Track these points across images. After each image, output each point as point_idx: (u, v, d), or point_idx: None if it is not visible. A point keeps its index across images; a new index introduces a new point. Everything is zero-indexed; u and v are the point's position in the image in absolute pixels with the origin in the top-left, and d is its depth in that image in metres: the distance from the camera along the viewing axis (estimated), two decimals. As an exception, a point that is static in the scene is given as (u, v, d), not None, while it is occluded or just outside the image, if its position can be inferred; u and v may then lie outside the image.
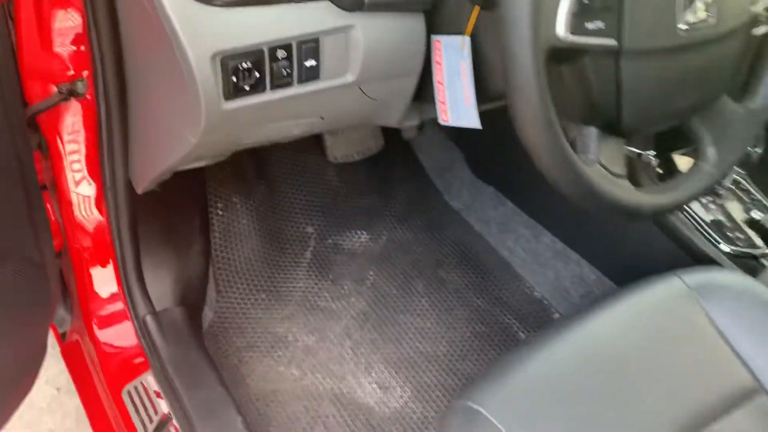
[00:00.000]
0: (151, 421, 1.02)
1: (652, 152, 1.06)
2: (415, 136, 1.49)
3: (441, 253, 1.44)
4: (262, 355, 1.20)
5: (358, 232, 1.44)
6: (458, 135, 1.55)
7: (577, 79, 0.64)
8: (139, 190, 0.94)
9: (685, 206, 1.15)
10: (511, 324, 1.32)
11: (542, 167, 0.63)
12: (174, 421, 0.97)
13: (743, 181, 1.18)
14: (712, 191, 1.18)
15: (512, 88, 0.58)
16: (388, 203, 1.51)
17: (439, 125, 0.84)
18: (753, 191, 1.17)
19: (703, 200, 1.16)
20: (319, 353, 1.22)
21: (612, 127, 0.68)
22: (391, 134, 1.51)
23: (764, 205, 1.16)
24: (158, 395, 1.02)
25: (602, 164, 0.67)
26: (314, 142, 1.44)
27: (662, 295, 0.95)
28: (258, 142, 0.85)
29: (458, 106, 0.83)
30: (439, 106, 0.85)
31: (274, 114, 0.76)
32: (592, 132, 0.68)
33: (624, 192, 0.67)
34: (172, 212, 1.11)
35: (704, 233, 1.12)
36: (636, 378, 0.85)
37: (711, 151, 0.75)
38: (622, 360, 0.87)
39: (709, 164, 0.75)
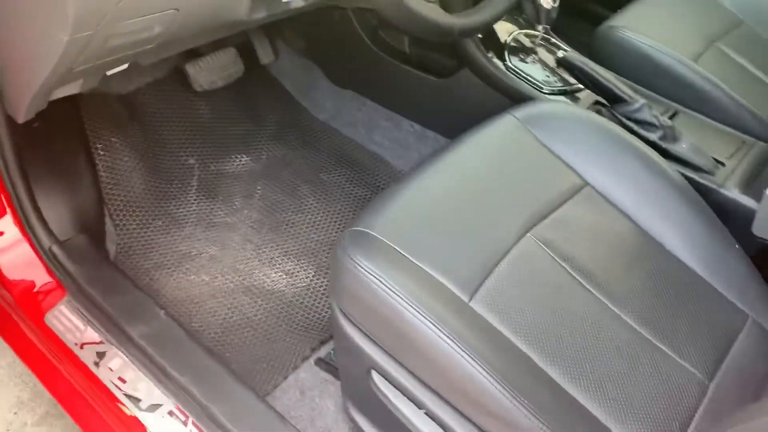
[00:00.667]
0: (79, 342, 1.09)
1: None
2: (272, 62, 1.61)
3: (319, 161, 1.58)
4: (171, 271, 1.29)
5: (238, 157, 1.55)
6: (313, 51, 1.68)
7: None
8: (20, 119, 1.00)
9: (511, 64, 1.35)
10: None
11: (373, 4, 0.77)
12: (102, 338, 1.05)
13: (550, 37, 1.40)
14: (528, 49, 1.39)
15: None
16: (261, 127, 1.62)
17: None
18: (557, 41, 1.39)
19: (522, 56, 1.36)
20: (224, 259, 1.33)
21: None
22: (250, 63, 1.62)
23: (567, 50, 1.38)
24: (79, 316, 1.09)
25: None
26: (178, 77, 1.52)
27: (500, 129, 1.14)
28: (127, 48, 0.93)
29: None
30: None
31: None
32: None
33: (437, 14, 0.83)
34: (56, 147, 1.17)
35: (527, 81, 1.33)
36: (491, 194, 1.02)
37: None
38: (478, 181, 1.04)
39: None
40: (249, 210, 1.44)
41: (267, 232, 1.40)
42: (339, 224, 1.43)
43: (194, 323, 1.19)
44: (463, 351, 0.81)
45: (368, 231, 0.92)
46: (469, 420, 0.84)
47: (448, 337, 0.82)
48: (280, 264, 1.34)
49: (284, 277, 1.31)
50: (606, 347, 0.91)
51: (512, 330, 0.88)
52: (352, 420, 1.01)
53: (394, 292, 0.85)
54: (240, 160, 1.54)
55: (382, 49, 1.46)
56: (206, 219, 1.40)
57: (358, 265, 0.87)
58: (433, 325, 0.82)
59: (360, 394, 0.98)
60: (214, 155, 1.53)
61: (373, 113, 1.59)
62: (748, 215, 1.12)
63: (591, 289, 0.96)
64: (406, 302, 0.84)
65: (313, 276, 1.32)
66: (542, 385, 0.84)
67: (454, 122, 1.49)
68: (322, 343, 1.20)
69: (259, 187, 1.49)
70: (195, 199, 1.43)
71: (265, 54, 1.45)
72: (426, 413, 0.86)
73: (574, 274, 0.97)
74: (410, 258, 0.90)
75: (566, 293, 0.94)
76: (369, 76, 1.55)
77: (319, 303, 1.28)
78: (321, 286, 1.30)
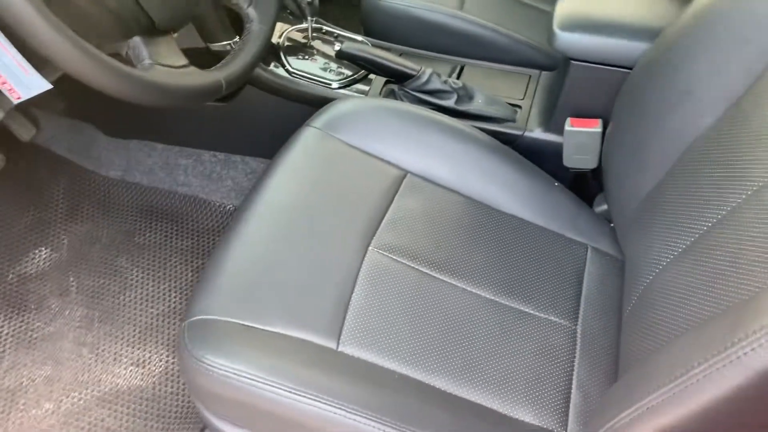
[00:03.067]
0: None
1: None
2: (34, 135, 1.41)
3: (128, 224, 1.44)
4: (5, 414, 1.13)
5: (37, 251, 1.37)
6: (78, 109, 1.50)
7: (91, 1, 0.68)
8: None
9: (292, 68, 1.28)
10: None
11: (109, 92, 0.67)
12: None
13: (322, 26, 1.34)
14: (304, 46, 1.33)
15: (29, 36, 0.60)
16: (50, 208, 1.44)
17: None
18: (331, 28, 1.34)
19: (301, 55, 1.30)
20: (62, 377, 1.18)
21: (152, 30, 0.74)
22: (9, 145, 1.41)
23: (345, 36, 1.34)
24: None
25: (163, 63, 0.73)
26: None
27: (304, 146, 1.08)
28: None
29: (20, 79, 0.82)
30: (6, 92, 0.83)
31: None
32: (137, 41, 0.73)
33: (195, 77, 0.74)
34: None
35: (315, 81, 1.27)
36: (317, 222, 0.97)
37: (251, 11, 0.86)
38: (299, 213, 0.98)
39: (256, 22, 0.86)
40: (70, 309, 1.28)
41: (99, 326, 1.25)
42: (175, 286, 1.32)
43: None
44: (335, 406, 0.78)
45: (204, 317, 0.84)
46: None
47: (314, 399, 0.78)
48: (126, 356, 1.21)
49: (136, 369, 1.19)
50: (477, 332, 0.91)
51: (389, 358, 0.85)
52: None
53: (249, 378, 0.78)
54: (40, 255, 1.36)
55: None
56: (24, 338, 1.23)
57: (205, 362, 0.79)
58: (297, 393, 0.78)
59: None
60: (8, 259, 1.33)
61: (168, 155, 1.46)
62: (557, 150, 1.17)
63: (445, 279, 0.96)
64: (263, 383, 0.78)
65: (167, 356, 1.21)
66: (432, 402, 0.83)
67: (256, 140, 1.41)
68: (202, 430, 1.11)
69: (72, 279, 1.33)
70: (3, 320, 1.25)
71: (23, 130, 1.26)
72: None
73: (426, 271, 0.96)
74: (259, 327, 0.84)
75: (425, 294, 0.93)
76: (148, 118, 1.42)
77: (182, 386, 1.18)
78: (178, 366, 1.20)
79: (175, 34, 0.77)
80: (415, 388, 0.84)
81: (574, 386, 0.89)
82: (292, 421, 0.79)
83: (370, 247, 0.96)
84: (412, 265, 0.96)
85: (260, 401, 0.79)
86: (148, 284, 1.32)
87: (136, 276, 1.34)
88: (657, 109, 0.95)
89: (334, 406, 0.78)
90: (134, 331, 1.25)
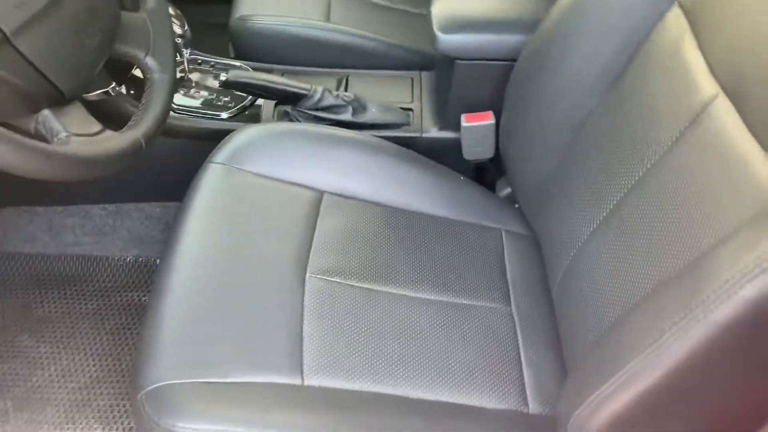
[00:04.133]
0: None
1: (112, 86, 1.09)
2: None
3: (19, 298, 1.32)
4: None
5: None
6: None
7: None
8: None
9: (176, 105, 1.24)
10: (137, 298, 1.32)
11: (31, 174, 0.62)
12: None
13: (197, 57, 1.31)
14: (184, 84, 1.28)
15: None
16: None
17: None
18: (207, 58, 1.31)
19: (183, 91, 1.26)
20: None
21: (60, 100, 0.69)
22: None
23: (223, 64, 1.32)
24: None
25: (78, 134, 0.69)
26: None
27: (211, 186, 1.05)
28: None
29: None
30: None
31: None
32: (46, 114, 0.68)
33: (115, 142, 0.71)
34: None
35: (203, 116, 1.24)
36: (247, 263, 0.95)
37: (150, 61, 0.82)
38: (225, 258, 0.96)
39: (157, 72, 0.83)
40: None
41: (16, 414, 1.15)
42: (90, 354, 1.24)
43: None
44: None
45: (160, 384, 0.81)
46: None
47: None
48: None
49: (72, 451, 1.11)
50: (427, 334, 0.94)
51: (354, 380, 0.86)
52: None
53: None
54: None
55: None
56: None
57: (176, 430, 0.77)
58: None
59: None
60: None
61: (51, 217, 1.36)
62: (455, 145, 1.23)
63: (386, 290, 0.98)
64: None
65: (101, 430, 1.13)
66: (405, 412, 0.86)
67: (148, 185, 1.35)
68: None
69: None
70: None
71: None
72: None
73: (366, 287, 0.97)
74: (221, 381, 0.82)
75: (371, 309, 0.95)
76: (18, 181, 1.30)
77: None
78: None
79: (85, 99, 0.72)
80: (387, 403, 0.86)
81: (524, 364, 0.95)
82: None
83: (307, 275, 0.96)
84: (352, 284, 0.97)
85: None
86: (60, 359, 1.23)
87: (44, 352, 1.23)
88: (547, 96, 1.03)
89: None
90: (57, 411, 1.16)
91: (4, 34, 0.62)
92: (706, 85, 0.77)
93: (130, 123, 0.78)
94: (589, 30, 0.96)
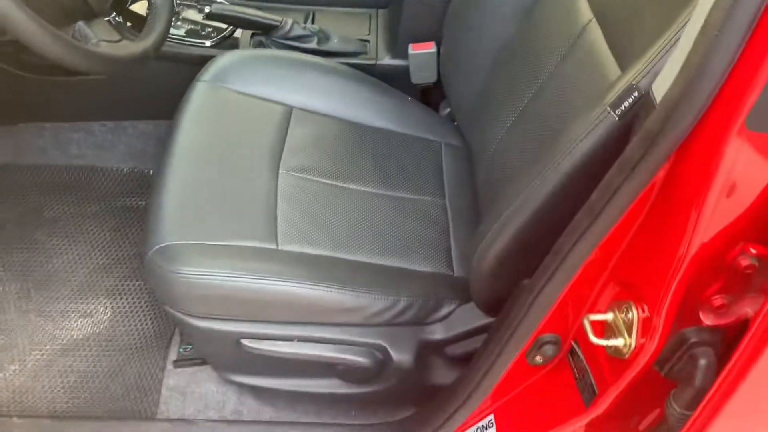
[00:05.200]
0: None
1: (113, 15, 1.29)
2: None
3: (32, 202, 1.53)
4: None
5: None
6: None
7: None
8: None
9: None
10: (133, 202, 1.54)
11: (72, 66, 0.83)
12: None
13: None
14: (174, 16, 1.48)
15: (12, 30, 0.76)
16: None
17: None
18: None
19: (173, 22, 1.46)
20: (18, 341, 1.31)
21: (90, 14, 0.90)
22: None
23: (205, 0, 1.51)
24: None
25: (106, 40, 0.90)
26: None
27: (199, 99, 1.27)
28: None
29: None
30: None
31: None
32: (81, 25, 0.90)
33: (132, 48, 0.92)
34: None
35: (189, 44, 1.44)
36: (232, 158, 1.18)
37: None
38: (214, 153, 1.18)
39: (159, -2, 1.04)
40: (2, 286, 1.39)
41: (37, 293, 1.38)
42: (96, 246, 1.46)
43: (38, 405, 1.21)
44: (285, 282, 1.03)
45: (168, 243, 1.04)
46: (321, 324, 1.08)
47: (270, 279, 1.02)
48: (72, 311, 1.36)
49: (85, 320, 1.35)
50: (376, 218, 1.19)
51: (318, 247, 1.11)
52: (238, 384, 1.19)
53: (220, 276, 1.01)
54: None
55: (32, 70, 1.42)
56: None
57: (181, 272, 1.01)
58: (258, 279, 1.02)
59: (234, 363, 1.16)
60: None
61: (58, 132, 1.56)
62: (405, 71, 1.46)
63: (344, 185, 1.22)
64: (231, 276, 1.02)
65: (110, 303, 1.37)
66: (357, 269, 1.11)
67: (142, 104, 1.56)
68: (166, 348, 1.31)
69: (-7, 263, 1.42)
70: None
71: None
72: (297, 340, 1.08)
73: (328, 182, 1.21)
74: (213, 243, 1.06)
75: (332, 198, 1.19)
76: (34, 99, 1.50)
77: (136, 320, 1.36)
78: (125, 306, 1.37)
79: (107, 18, 0.93)
80: (343, 263, 1.11)
81: (452, 241, 1.21)
82: (263, 300, 1.03)
83: (280, 170, 1.20)
84: (317, 179, 1.21)
85: (229, 290, 1.01)
86: (70, 249, 1.45)
87: (57, 244, 1.46)
88: (474, 26, 1.27)
89: (287, 282, 1.03)
90: (72, 290, 1.39)
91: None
92: (585, 12, 1.01)
93: (140, 35, 0.99)
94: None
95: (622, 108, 0.75)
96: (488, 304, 1.04)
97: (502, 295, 0.98)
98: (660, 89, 0.61)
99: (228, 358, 1.15)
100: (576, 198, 0.77)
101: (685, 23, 0.71)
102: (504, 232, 0.90)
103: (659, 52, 0.73)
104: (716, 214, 0.56)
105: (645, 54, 0.77)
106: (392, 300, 1.07)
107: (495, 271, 0.94)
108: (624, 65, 0.86)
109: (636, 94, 0.73)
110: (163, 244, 1.04)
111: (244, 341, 1.08)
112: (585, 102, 0.93)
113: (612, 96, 0.77)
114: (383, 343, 1.09)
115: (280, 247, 1.09)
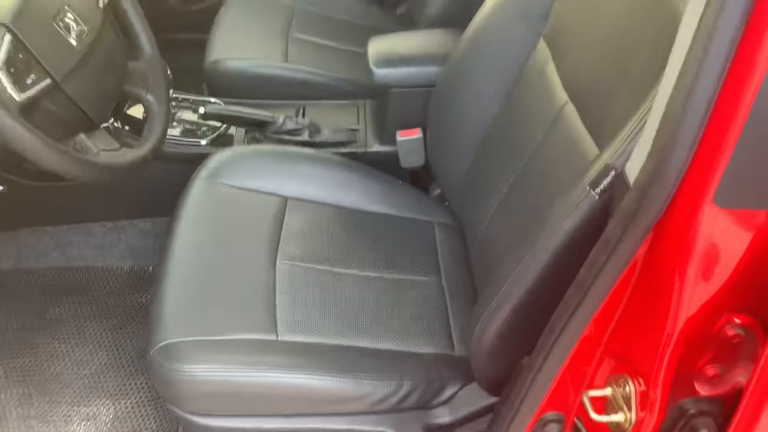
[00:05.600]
0: None
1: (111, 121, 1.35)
2: None
3: (34, 305, 1.55)
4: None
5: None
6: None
7: (49, 114, 0.88)
8: None
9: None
10: (134, 300, 1.56)
11: (75, 177, 0.87)
12: None
13: (180, 96, 1.57)
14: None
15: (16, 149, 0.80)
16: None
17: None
18: (189, 96, 1.58)
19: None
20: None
21: (90, 126, 0.95)
22: None
23: (201, 100, 1.58)
24: None
25: (106, 149, 0.95)
26: None
27: (196, 197, 1.30)
28: None
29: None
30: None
31: None
32: (82, 137, 0.94)
33: (131, 155, 0.97)
34: None
35: (185, 144, 1.50)
36: (229, 252, 1.20)
37: (150, 97, 1.09)
38: (212, 248, 1.21)
39: (155, 105, 1.09)
40: (4, 393, 1.38)
41: (38, 397, 1.37)
42: (98, 347, 1.47)
43: None
44: (285, 373, 1.03)
45: (170, 341, 1.05)
46: (326, 414, 1.08)
47: (270, 372, 1.03)
48: (75, 415, 1.35)
49: (88, 423, 1.34)
50: (374, 301, 1.20)
51: (318, 335, 1.12)
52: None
53: (221, 372, 1.02)
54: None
55: (35, 179, 1.46)
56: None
57: (184, 371, 1.01)
58: (258, 372, 1.03)
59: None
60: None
61: (58, 235, 1.59)
62: (394, 157, 1.51)
63: (340, 270, 1.24)
64: (232, 371, 1.02)
65: (113, 404, 1.36)
66: (359, 355, 1.11)
67: (141, 203, 1.60)
68: (172, 447, 1.29)
69: (-5, 368, 1.43)
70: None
71: None
72: (302, 432, 1.08)
73: (324, 268, 1.23)
74: (213, 338, 1.07)
75: (329, 284, 1.21)
76: (32, 206, 1.55)
77: (139, 420, 1.35)
78: (128, 406, 1.36)
79: (104, 125, 0.98)
80: (343, 350, 1.12)
81: (450, 320, 1.22)
82: (258, 394, 1.03)
83: (277, 260, 1.22)
84: (314, 266, 1.23)
85: (231, 386, 1.02)
86: (72, 352, 1.46)
87: (58, 347, 1.46)
88: (459, 110, 1.33)
89: (287, 373, 1.03)
90: (74, 393, 1.39)
91: (56, 82, 0.88)
92: (560, 94, 1.06)
93: (139, 141, 1.04)
94: (485, 57, 1.26)
95: (602, 186, 0.78)
96: (491, 383, 1.04)
97: (504, 374, 0.99)
98: (633, 170, 0.65)
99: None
100: (567, 274, 0.79)
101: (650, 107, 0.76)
102: (500, 311, 0.92)
103: (630, 133, 0.78)
104: (698, 287, 0.58)
105: (618, 135, 0.81)
106: (395, 385, 1.07)
107: (494, 350, 0.95)
108: (601, 144, 0.90)
109: (613, 173, 0.77)
110: (164, 343, 1.05)
111: (250, 435, 1.07)
112: (567, 179, 0.96)
113: (591, 175, 0.81)
114: (388, 431, 1.09)
115: (279, 338, 1.10)
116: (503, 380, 0.99)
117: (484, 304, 0.96)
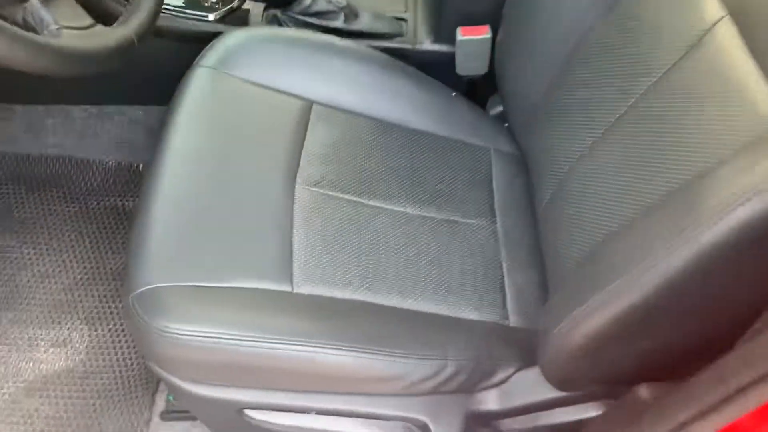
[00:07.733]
0: None
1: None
2: None
3: (5, 199, 1.30)
4: None
5: None
6: None
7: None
8: None
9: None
10: (119, 203, 1.31)
11: (19, 67, 0.59)
12: None
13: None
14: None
15: None
16: None
17: None
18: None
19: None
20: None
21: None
22: None
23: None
24: None
25: (70, 26, 0.65)
26: None
27: (198, 89, 1.02)
28: None
29: None
30: None
31: None
32: (34, 4, 0.65)
33: (107, 37, 0.68)
34: None
35: (189, 17, 1.19)
36: (235, 168, 0.94)
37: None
38: (213, 161, 0.95)
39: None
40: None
41: (1, 314, 1.16)
42: (74, 257, 1.23)
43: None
44: (300, 345, 0.80)
45: (150, 287, 0.81)
46: (347, 393, 0.86)
47: (282, 342, 0.79)
48: (42, 339, 1.14)
49: (57, 350, 1.13)
50: (412, 248, 0.96)
51: (342, 289, 0.88)
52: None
53: (213, 337, 0.79)
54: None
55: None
56: None
57: (167, 331, 0.78)
58: (267, 342, 0.79)
59: (236, 429, 0.93)
60: None
61: (30, 116, 1.32)
62: (449, 59, 1.21)
63: (373, 203, 0.99)
64: (232, 339, 0.79)
65: (87, 330, 1.15)
66: (390, 321, 0.88)
67: (132, 87, 1.31)
68: (153, 394, 1.09)
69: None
70: None
71: None
72: (315, 413, 0.86)
73: (355, 199, 0.98)
74: (209, 285, 0.83)
75: (359, 222, 0.96)
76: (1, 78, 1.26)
77: (117, 354, 1.14)
78: (105, 334, 1.15)
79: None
80: (373, 312, 0.88)
81: (505, 278, 0.98)
82: (262, 367, 0.81)
83: (297, 185, 0.96)
84: (341, 196, 0.97)
85: (226, 356, 0.79)
86: (43, 260, 1.23)
87: (27, 254, 1.23)
88: (546, 12, 1.01)
89: (303, 345, 0.80)
90: (42, 311, 1.17)
91: None
92: (713, 6, 0.76)
93: (121, 18, 0.74)
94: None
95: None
96: (565, 382, 0.81)
97: (587, 374, 0.76)
98: None
99: (224, 426, 0.92)
100: (724, 285, 0.54)
101: None
102: (605, 310, 0.66)
103: None
104: None
105: None
106: (438, 365, 0.84)
107: (585, 352, 0.71)
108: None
109: None
110: (146, 287, 0.81)
111: (248, 412, 0.86)
112: (715, 128, 0.69)
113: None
114: (423, 418, 0.87)
115: (295, 290, 0.86)
116: (584, 378, 0.76)
117: (577, 295, 0.70)
